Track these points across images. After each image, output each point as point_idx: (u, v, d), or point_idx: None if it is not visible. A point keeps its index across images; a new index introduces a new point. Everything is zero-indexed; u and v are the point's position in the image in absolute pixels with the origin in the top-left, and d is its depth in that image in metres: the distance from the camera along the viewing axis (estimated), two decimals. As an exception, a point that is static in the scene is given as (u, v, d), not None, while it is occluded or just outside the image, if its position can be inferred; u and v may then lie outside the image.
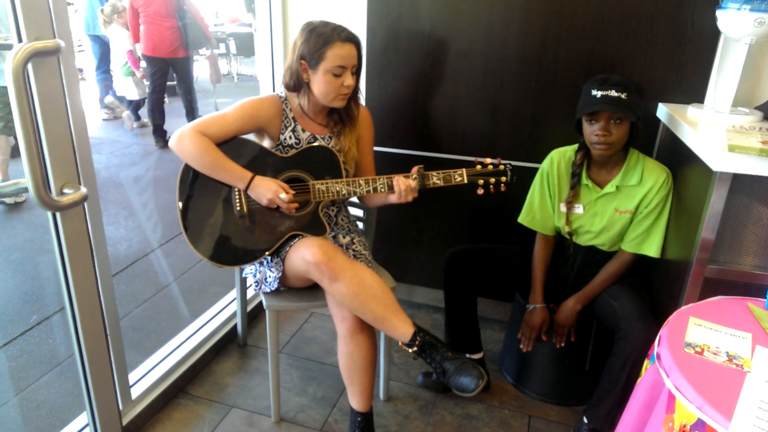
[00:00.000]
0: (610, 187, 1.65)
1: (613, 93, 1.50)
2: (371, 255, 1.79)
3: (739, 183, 1.34)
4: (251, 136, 1.68)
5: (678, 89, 1.83)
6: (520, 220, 1.82)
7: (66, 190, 1.20)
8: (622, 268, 1.69)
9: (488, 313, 2.32)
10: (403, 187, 1.59)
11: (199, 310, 2.29)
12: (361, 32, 2.06)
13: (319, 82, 1.58)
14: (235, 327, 2.18)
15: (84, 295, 1.35)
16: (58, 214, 1.24)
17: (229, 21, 8.53)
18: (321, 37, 1.54)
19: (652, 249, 1.64)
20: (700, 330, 1.08)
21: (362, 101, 1.76)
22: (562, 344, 1.75)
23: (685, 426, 0.89)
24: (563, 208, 1.73)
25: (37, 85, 1.12)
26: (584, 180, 1.68)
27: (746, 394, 0.91)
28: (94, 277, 1.37)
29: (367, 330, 1.56)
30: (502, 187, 1.65)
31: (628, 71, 1.85)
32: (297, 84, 1.62)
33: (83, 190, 1.17)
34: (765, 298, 1.22)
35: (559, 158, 1.73)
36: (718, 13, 1.60)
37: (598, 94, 1.52)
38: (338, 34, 1.54)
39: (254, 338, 2.22)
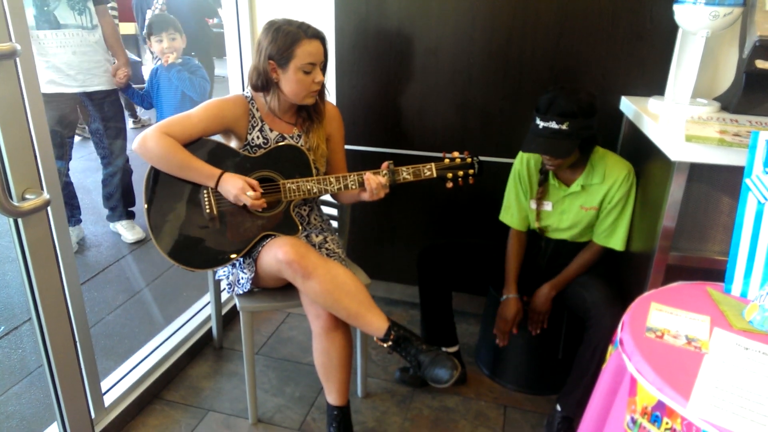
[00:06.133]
0: (575, 186, 1.68)
1: (554, 125, 1.51)
2: (345, 253, 1.79)
3: (698, 172, 1.38)
4: (218, 137, 1.67)
5: (640, 82, 1.87)
6: (500, 218, 1.85)
7: (28, 196, 1.18)
8: (594, 257, 1.73)
9: (463, 306, 2.34)
10: (374, 184, 1.60)
11: (172, 314, 2.26)
12: (329, 31, 2.07)
13: (290, 81, 1.57)
14: (210, 330, 2.16)
15: (50, 303, 1.32)
16: (19, 221, 1.21)
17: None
18: (288, 36, 1.53)
19: (617, 243, 1.68)
20: (661, 315, 1.12)
21: (331, 98, 1.76)
22: (538, 331, 1.78)
23: (646, 408, 0.92)
24: (533, 205, 1.76)
25: (-7, 89, 1.10)
26: (551, 179, 1.72)
27: (703, 375, 0.94)
28: (60, 284, 1.35)
29: (341, 327, 1.56)
30: (471, 180, 1.67)
31: (591, 65, 1.89)
32: (265, 84, 1.61)
33: (46, 195, 1.16)
34: (723, 282, 1.26)
35: (528, 156, 1.76)
36: (675, 7, 1.64)
37: (540, 125, 1.54)
38: (305, 32, 1.54)
39: (230, 341, 2.20)
